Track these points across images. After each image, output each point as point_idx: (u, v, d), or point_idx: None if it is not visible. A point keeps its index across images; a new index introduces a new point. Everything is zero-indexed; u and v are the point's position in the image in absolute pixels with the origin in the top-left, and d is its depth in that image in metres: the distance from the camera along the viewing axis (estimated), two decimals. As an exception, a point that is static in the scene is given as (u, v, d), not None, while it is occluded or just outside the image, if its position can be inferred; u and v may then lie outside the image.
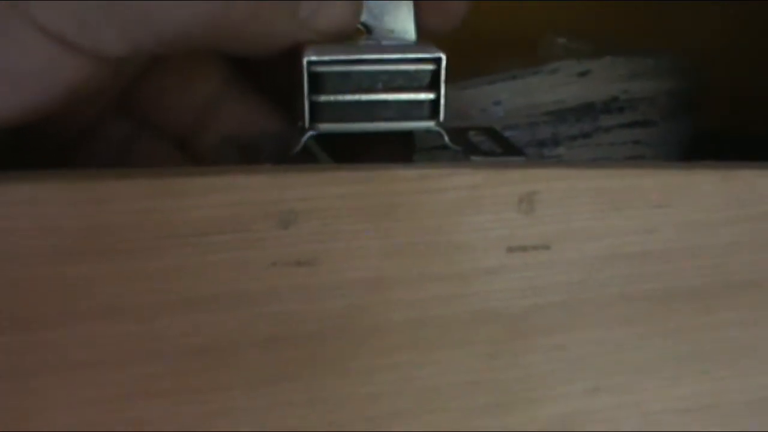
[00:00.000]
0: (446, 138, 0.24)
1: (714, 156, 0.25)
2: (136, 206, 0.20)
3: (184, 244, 0.20)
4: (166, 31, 0.21)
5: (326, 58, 0.23)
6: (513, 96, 0.36)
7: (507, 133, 0.36)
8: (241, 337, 0.21)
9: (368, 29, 0.26)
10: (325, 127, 0.23)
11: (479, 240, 0.22)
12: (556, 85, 0.36)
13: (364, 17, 0.25)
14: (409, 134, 0.26)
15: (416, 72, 0.23)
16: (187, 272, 0.21)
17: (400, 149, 0.26)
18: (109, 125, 0.26)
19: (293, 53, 0.23)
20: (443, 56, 0.23)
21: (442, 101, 0.24)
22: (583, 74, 0.36)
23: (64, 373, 0.21)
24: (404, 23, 0.26)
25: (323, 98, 0.23)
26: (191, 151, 0.27)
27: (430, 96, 0.24)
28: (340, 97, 0.23)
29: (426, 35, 0.26)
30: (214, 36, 0.22)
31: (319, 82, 0.23)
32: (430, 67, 0.23)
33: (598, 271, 0.23)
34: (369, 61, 0.23)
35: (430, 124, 0.24)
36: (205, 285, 0.21)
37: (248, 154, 0.25)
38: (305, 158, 0.24)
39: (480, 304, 0.23)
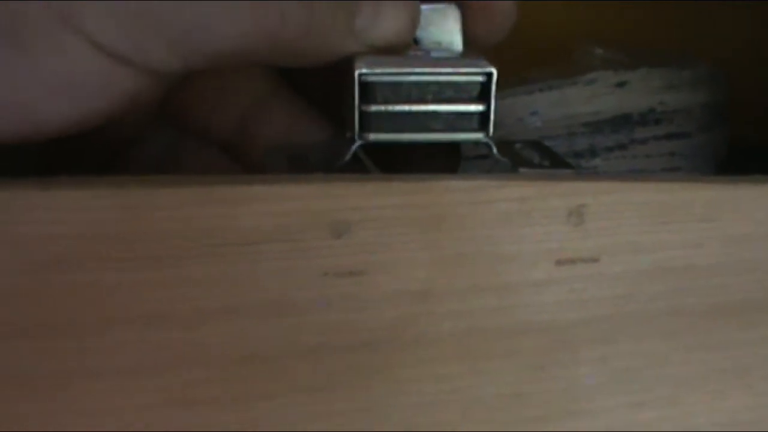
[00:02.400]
0: (494, 150, 0.24)
1: (750, 168, 0.25)
2: (185, 214, 0.20)
3: (233, 252, 0.21)
4: (219, 48, 0.21)
5: (378, 69, 0.23)
6: (550, 106, 0.36)
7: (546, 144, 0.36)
8: (287, 345, 0.21)
9: (415, 40, 0.26)
10: (375, 137, 0.23)
11: (528, 252, 0.22)
12: (593, 96, 0.36)
13: None
14: (455, 145, 0.26)
15: (466, 84, 0.23)
16: (235, 280, 0.21)
17: (445, 159, 0.26)
18: (154, 132, 0.27)
19: (343, 63, 0.24)
20: (494, 70, 0.23)
21: (492, 114, 0.24)
22: (620, 85, 0.36)
23: (109, 379, 0.21)
24: (451, 34, 0.26)
25: (374, 108, 0.23)
26: (237, 158, 0.27)
27: (480, 108, 0.24)
28: (391, 108, 0.23)
29: (472, 45, 0.26)
30: (267, 51, 0.22)
31: (369, 93, 0.23)
32: (480, 79, 0.23)
33: (644, 284, 0.23)
34: (420, 72, 0.23)
35: (479, 135, 0.24)
36: (253, 293, 0.21)
37: (296, 163, 0.25)
38: (354, 168, 0.24)
39: (527, 316, 0.23)
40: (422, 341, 0.22)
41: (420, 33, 0.26)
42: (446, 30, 0.26)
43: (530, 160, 0.25)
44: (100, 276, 0.20)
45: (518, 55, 0.41)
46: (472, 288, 0.22)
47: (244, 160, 0.27)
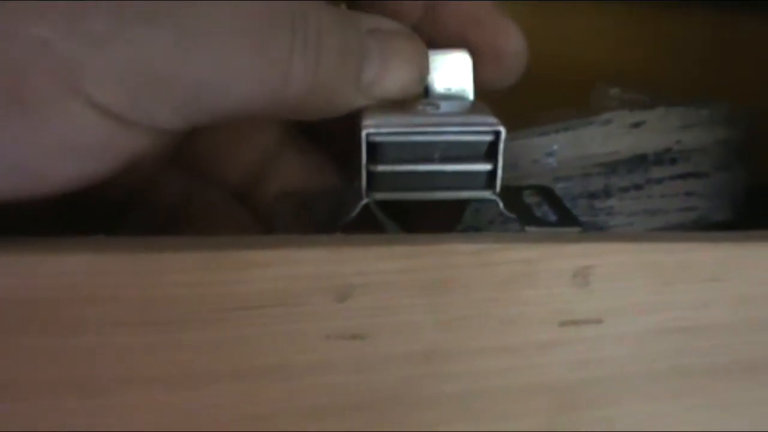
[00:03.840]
0: (501, 206, 0.24)
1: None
2: (192, 278, 0.21)
3: (239, 316, 0.21)
4: (222, 108, 0.21)
5: (384, 129, 0.23)
6: (565, 147, 0.36)
7: (559, 185, 0.36)
8: (292, 406, 0.22)
9: (425, 86, 0.26)
10: (382, 196, 0.24)
11: (532, 314, 0.22)
12: (609, 137, 0.36)
13: None
14: None
15: (474, 143, 0.23)
16: (242, 344, 0.21)
17: (454, 206, 0.26)
18: (167, 180, 0.27)
19: (352, 115, 0.24)
20: (502, 128, 0.23)
21: (500, 172, 0.24)
22: (636, 125, 0.36)
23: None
24: (462, 80, 0.26)
25: (380, 168, 0.23)
26: (250, 206, 0.27)
27: (488, 167, 0.24)
28: (398, 168, 0.23)
29: (483, 89, 0.26)
30: (272, 108, 0.22)
31: (376, 152, 0.23)
32: (488, 138, 0.23)
33: (649, 345, 0.23)
34: (427, 131, 0.23)
35: (486, 193, 0.24)
36: (259, 357, 0.21)
37: (302, 213, 0.25)
38: (364, 219, 0.24)
39: (531, 377, 0.23)
40: (426, 403, 0.22)
41: (430, 79, 0.26)
42: (457, 76, 0.26)
43: (537, 214, 0.25)
44: (110, 339, 0.21)
45: (532, 95, 0.42)
46: (476, 350, 0.22)
47: (256, 208, 0.27)
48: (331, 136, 0.28)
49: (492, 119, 0.23)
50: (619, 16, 0.47)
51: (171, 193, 0.27)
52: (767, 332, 0.24)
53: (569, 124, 0.36)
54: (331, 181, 0.27)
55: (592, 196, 0.36)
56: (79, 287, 0.20)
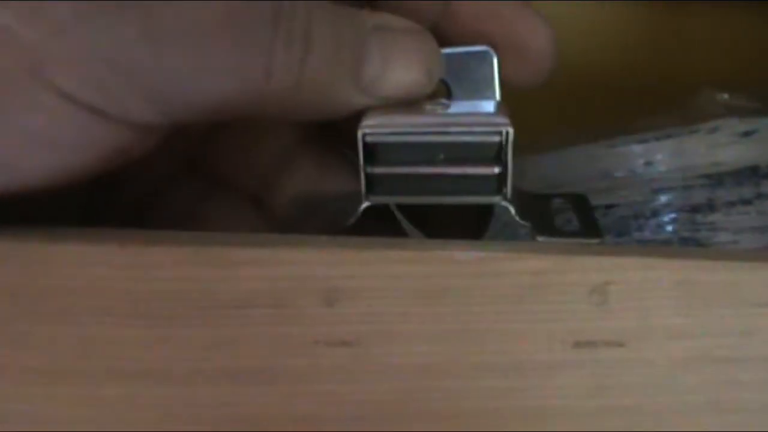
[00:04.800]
0: (513, 212, 0.22)
1: None
2: (180, 274, 0.20)
3: (225, 315, 0.20)
4: (200, 103, 0.20)
5: (382, 129, 0.22)
6: (666, 156, 0.33)
7: (659, 197, 0.34)
8: (279, 412, 0.21)
9: (447, 85, 0.24)
10: (382, 199, 0.22)
11: (541, 331, 0.20)
12: (714, 146, 0.33)
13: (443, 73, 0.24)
14: None
15: (479, 144, 0.22)
16: (228, 343, 0.21)
17: (479, 212, 0.25)
18: (181, 183, 0.27)
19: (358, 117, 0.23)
20: (509, 129, 0.21)
21: (509, 175, 0.22)
22: (746, 134, 0.33)
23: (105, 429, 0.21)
24: (486, 80, 0.24)
25: (378, 170, 0.22)
26: (266, 209, 0.27)
27: (495, 170, 0.22)
28: (396, 170, 0.22)
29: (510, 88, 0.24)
30: (257, 106, 0.21)
31: (375, 153, 0.22)
32: (495, 138, 0.22)
33: (682, 374, 0.21)
34: (428, 132, 0.22)
35: (495, 199, 0.22)
36: (245, 357, 0.21)
37: (313, 215, 0.24)
38: (380, 220, 0.23)
39: (539, 400, 0.21)
40: (417, 420, 0.21)
41: (451, 79, 0.24)
42: (481, 76, 0.24)
43: (558, 223, 0.23)
44: (99, 330, 0.21)
45: (634, 101, 0.39)
46: (478, 366, 0.21)
47: (273, 212, 0.27)
48: (350, 138, 0.27)
49: (500, 119, 0.22)
50: (729, 16, 0.43)
51: (187, 197, 0.26)
52: (828, 369, 0.21)
53: (671, 131, 0.33)
54: (350, 184, 0.26)
55: (694, 209, 0.33)
56: (69, 277, 0.21)
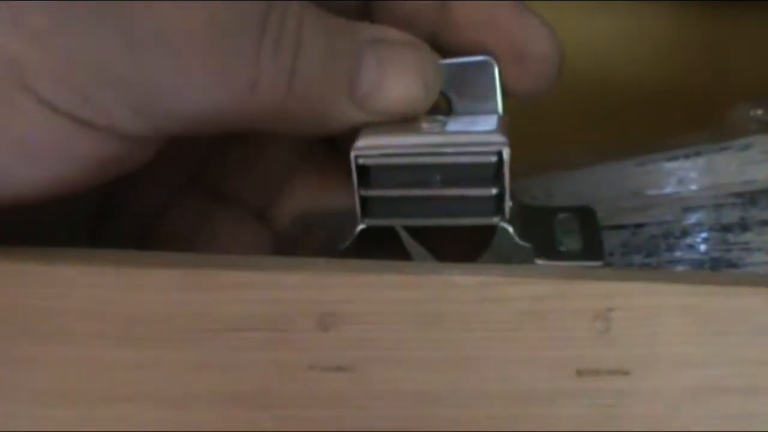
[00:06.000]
0: (512, 233, 0.22)
1: None
2: (174, 296, 0.20)
3: (219, 338, 0.20)
4: (186, 113, 0.20)
5: (375, 151, 0.21)
6: (697, 174, 0.32)
7: (689, 216, 0.33)
8: (274, 438, 0.21)
9: (447, 97, 0.24)
10: (377, 222, 0.22)
11: (542, 359, 0.20)
12: (747, 163, 0.32)
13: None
14: None
15: (475, 166, 0.21)
16: (221, 367, 0.20)
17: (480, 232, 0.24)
18: (187, 198, 0.26)
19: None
20: (505, 148, 0.21)
21: (507, 196, 0.21)
22: (781, 152, 0.32)
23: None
24: (488, 91, 0.23)
25: (373, 193, 0.22)
26: (269, 226, 0.26)
27: (492, 191, 0.21)
28: (392, 192, 0.22)
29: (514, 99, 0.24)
30: (251, 118, 0.21)
31: (369, 175, 0.22)
32: (491, 159, 0.21)
33: (690, 406, 0.20)
34: (423, 153, 0.21)
35: (494, 220, 0.22)
36: (238, 381, 0.20)
37: (311, 233, 0.24)
38: (381, 240, 0.23)
39: (540, 429, 0.20)
40: (416, 448, 0.20)
41: (452, 92, 0.24)
42: (482, 87, 0.23)
43: (561, 243, 0.22)
44: (94, 352, 0.21)
45: (663, 118, 0.38)
46: (476, 394, 0.20)
47: (274, 227, 0.26)
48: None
49: (498, 137, 0.21)
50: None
51: (193, 212, 0.26)
52: None
53: (701, 148, 0.32)
54: (350, 202, 0.25)
55: (726, 229, 0.32)
56: (66, 298, 0.20)
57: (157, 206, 0.26)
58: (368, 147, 0.21)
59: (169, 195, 0.26)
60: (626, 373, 0.20)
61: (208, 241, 0.25)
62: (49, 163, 0.20)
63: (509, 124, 0.22)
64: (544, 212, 0.24)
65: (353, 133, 0.22)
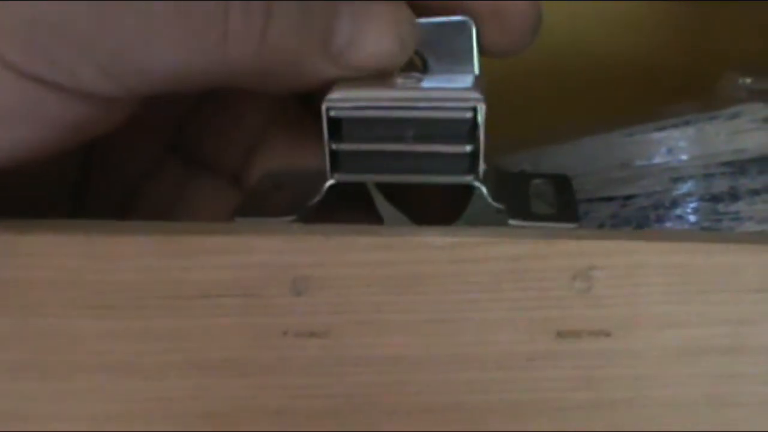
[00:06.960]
0: (485, 193, 0.21)
1: None
2: (145, 264, 0.20)
3: (191, 305, 0.20)
4: (157, 71, 0.19)
5: (348, 103, 0.21)
6: (686, 144, 0.31)
7: (678, 186, 0.32)
8: (248, 405, 0.20)
9: (423, 58, 0.23)
10: (346, 177, 0.21)
11: (522, 320, 0.19)
12: (736, 132, 0.31)
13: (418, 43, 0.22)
14: None
15: (449, 121, 0.21)
16: (194, 334, 0.20)
17: (458, 192, 0.23)
18: (166, 165, 0.26)
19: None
20: (480, 104, 0.20)
21: (481, 155, 0.21)
22: (770, 120, 0.31)
23: (73, 425, 0.21)
24: (465, 51, 0.23)
25: (343, 147, 0.21)
26: (243, 188, 0.26)
27: (466, 148, 0.21)
28: (362, 146, 0.21)
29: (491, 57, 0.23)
30: (220, 74, 0.20)
31: (340, 129, 0.21)
32: (467, 115, 0.20)
33: (675, 366, 0.19)
34: (396, 107, 0.21)
35: (467, 178, 0.21)
36: (212, 349, 0.20)
37: (278, 193, 0.23)
38: (353, 199, 0.22)
39: (521, 394, 0.20)
40: (394, 413, 0.20)
41: (428, 52, 0.23)
42: (459, 48, 0.23)
43: (534, 206, 0.22)
44: (68, 322, 0.20)
45: (651, 88, 0.37)
46: (453, 358, 0.20)
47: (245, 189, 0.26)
48: None
49: (474, 94, 0.20)
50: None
51: (172, 180, 0.26)
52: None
53: (690, 118, 0.32)
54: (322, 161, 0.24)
55: (715, 199, 0.31)
56: (36, 268, 0.20)
57: (137, 176, 0.26)
58: (341, 99, 0.21)
59: (148, 165, 0.26)
60: (607, 333, 0.19)
61: (186, 210, 0.25)
62: (18, 127, 0.20)
63: (486, 84, 0.22)
64: (519, 177, 0.24)
65: (324, 92, 0.21)
